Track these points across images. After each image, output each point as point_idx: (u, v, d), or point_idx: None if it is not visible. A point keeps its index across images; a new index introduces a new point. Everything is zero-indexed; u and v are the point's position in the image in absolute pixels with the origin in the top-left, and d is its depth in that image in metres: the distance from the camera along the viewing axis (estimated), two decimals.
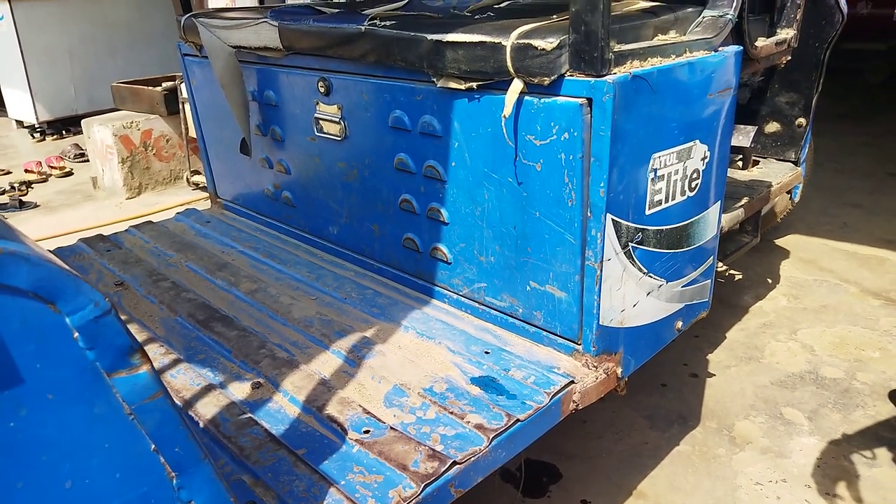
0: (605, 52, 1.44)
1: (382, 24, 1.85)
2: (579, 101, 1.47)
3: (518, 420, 1.46)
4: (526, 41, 1.49)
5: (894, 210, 4.04)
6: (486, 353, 1.72)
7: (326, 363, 1.71)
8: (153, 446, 0.89)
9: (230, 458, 1.39)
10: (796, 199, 3.16)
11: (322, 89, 2.09)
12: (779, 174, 2.82)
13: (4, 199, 4.73)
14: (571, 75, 1.49)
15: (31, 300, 0.77)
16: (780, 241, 3.67)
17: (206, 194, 3.01)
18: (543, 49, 1.46)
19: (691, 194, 1.80)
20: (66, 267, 0.80)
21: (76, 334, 0.80)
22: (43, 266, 0.77)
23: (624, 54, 1.52)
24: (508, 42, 1.51)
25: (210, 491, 0.96)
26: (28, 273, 0.76)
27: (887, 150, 5.15)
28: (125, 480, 0.88)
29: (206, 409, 1.55)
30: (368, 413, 1.49)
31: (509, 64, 1.52)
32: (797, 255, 3.53)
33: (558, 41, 1.46)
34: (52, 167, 5.40)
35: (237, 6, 4.88)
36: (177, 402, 1.58)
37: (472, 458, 1.36)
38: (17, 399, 0.78)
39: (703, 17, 1.85)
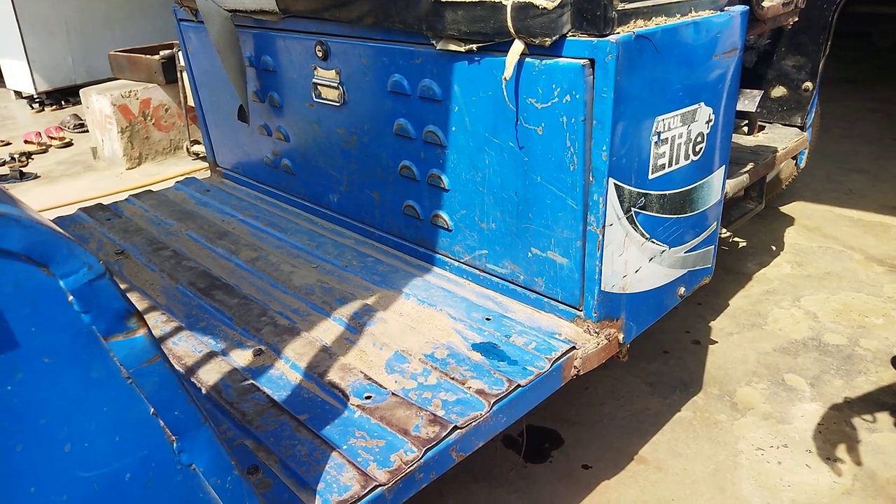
0: (608, 10, 1.40)
1: None
2: (581, 62, 1.44)
3: (519, 385, 1.46)
4: (527, 0, 1.46)
5: None
6: (488, 319, 1.72)
7: (328, 330, 1.71)
8: (152, 410, 0.89)
9: (232, 423, 1.39)
10: (802, 165, 3.13)
11: (320, 53, 2.06)
12: (784, 139, 2.79)
13: (5, 170, 4.72)
14: (573, 35, 1.46)
15: (23, 263, 0.76)
16: (784, 208, 3.64)
17: (207, 164, 2.98)
18: (545, 8, 1.43)
19: (695, 158, 1.78)
20: (59, 230, 0.79)
21: (71, 298, 0.79)
22: (35, 228, 0.76)
23: (627, 13, 1.48)
24: (509, 1, 1.48)
25: (211, 454, 0.96)
26: (20, 235, 0.75)
27: (894, 116, 5.08)
28: (125, 444, 0.88)
29: (209, 375, 1.55)
30: (370, 379, 1.49)
31: (510, 24, 1.48)
32: (802, 221, 3.50)
33: (560, 0, 1.43)
34: (51, 138, 5.37)
35: None
36: (179, 368, 1.58)
37: (473, 423, 1.36)
38: (13, 363, 0.78)
39: None
